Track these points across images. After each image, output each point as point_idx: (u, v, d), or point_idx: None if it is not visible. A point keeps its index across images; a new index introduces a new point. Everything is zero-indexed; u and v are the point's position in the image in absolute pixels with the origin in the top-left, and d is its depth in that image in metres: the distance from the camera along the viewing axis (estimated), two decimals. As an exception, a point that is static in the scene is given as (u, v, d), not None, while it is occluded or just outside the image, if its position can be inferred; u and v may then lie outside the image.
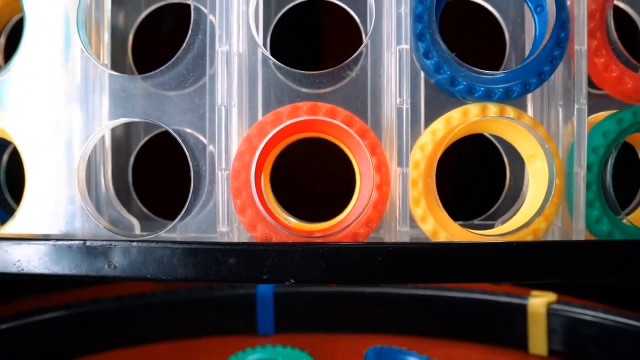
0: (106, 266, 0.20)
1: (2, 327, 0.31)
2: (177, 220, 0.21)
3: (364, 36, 0.23)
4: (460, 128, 0.20)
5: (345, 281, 0.19)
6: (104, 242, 0.20)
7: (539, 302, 0.34)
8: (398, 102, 0.20)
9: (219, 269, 0.19)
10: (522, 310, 0.34)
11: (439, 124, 0.20)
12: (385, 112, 0.21)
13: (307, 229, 0.22)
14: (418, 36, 0.20)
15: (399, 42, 0.20)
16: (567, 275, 0.20)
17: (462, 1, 0.25)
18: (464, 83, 0.20)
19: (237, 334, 0.36)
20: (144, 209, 0.27)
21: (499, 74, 0.20)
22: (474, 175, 0.45)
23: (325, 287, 0.37)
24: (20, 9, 0.24)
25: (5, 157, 0.26)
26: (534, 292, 0.35)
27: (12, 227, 0.21)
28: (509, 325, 0.35)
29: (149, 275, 0.19)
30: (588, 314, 0.33)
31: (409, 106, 0.20)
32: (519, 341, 0.34)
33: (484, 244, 0.20)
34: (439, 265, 0.19)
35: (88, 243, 0.20)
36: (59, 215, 0.21)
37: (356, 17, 0.24)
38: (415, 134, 0.21)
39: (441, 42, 0.20)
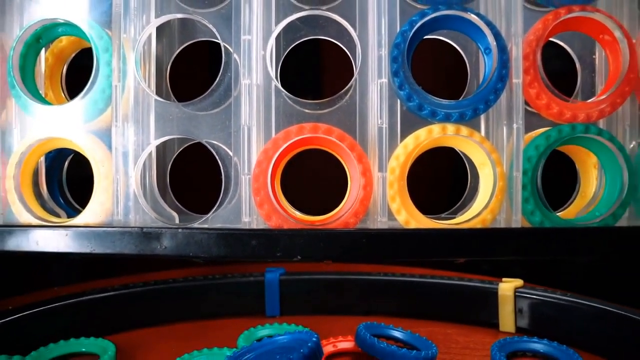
0: (158, 247, 0.27)
1: (50, 307, 0.39)
2: (212, 212, 0.28)
3: (354, 68, 0.31)
4: (426, 143, 0.28)
5: (339, 258, 0.27)
6: (157, 229, 0.27)
7: (507, 286, 0.42)
8: (379, 122, 0.28)
9: (244, 248, 0.27)
10: (493, 293, 0.42)
11: (409, 140, 0.28)
12: (370, 130, 0.29)
13: (309, 220, 0.30)
14: (394, 73, 0.28)
15: (379, 77, 0.28)
16: (507, 253, 0.28)
17: (434, 40, 0.33)
18: (429, 108, 0.28)
19: (247, 315, 0.44)
20: (178, 204, 0.34)
21: (455, 101, 0.28)
22: (444, 179, 0.54)
23: (324, 275, 0.45)
24: (79, 46, 0.33)
25: (66, 164, 0.34)
26: (504, 279, 0.43)
27: (82, 218, 0.29)
28: (482, 307, 0.42)
29: (191, 254, 0.27)
30: (548, 296, 0.40)
31: (387, 126, 0.28)
32: (491, 320, 0.42)
33: (443, 229, 0.28)
34: (408, 246, 0.27)
35: (145, 230, 0.27)
36: (118, 209, 0.29)
37: (348, 53, 0.32)
38: (392, 147, 0.29)
39: (411, 77, 0.28)
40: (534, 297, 0.41)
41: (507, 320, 0.41)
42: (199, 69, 0.34)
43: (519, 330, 0.41)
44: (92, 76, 0.29)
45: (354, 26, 0.29)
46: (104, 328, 0.40)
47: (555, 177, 0.33)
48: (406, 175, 0.28)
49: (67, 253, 0.28)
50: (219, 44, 0.29)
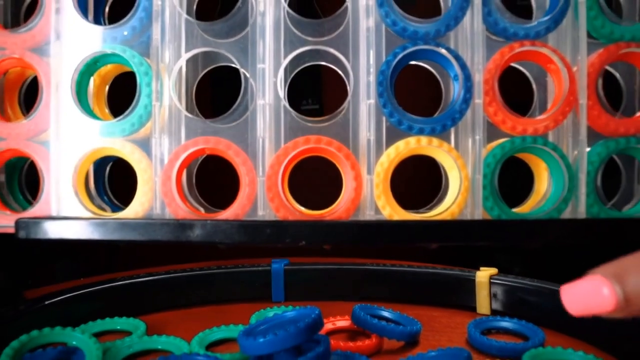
0: (191, 234, 0.36)
1: (88, 291, 0.47)
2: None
3: (348, 90, 0.39)
4: (404, 152, 0.36)
5: (334, 242, 0.35)
6: (189, 220, 0.36)
7: (483, 274, 0.50)
8: (368, 135, 0.37)
9: (260, 235, 0.36)
10: (471, 280, 0.50)
11: (391, 150, 0.37)
12: (361, 141, 0.38)
13: (311, 213, 0.39)
14: (379, 94, 0.37)
15: (368, 98, 0.37)
16: (471, 240, 0.36)
17: (415, 66, 0.41)
18: (406, 123, 0.36)
19: (255, 301, 0.52)
20: (201, 200, 0.43)
21: (427, 118, 0.37)
22: (423, 180, 0.63)
23: (324, 265, 0.54)
24: (120, 69, 0.41)
25: (107, 169, 0.43)
26: (482, 268, 0.51)
27: (126, 212, 0.38)
28: (462, 292, 0.50)
29: (217, 240, 0.36)
30: (519, 282, 0.49)
31: (374, 138, 0.37)
32: (469, 304, 0.50)
33: (419, 221, 0.36)
34: (391, 234, 0.36)
35: (180, 221, 0.36)
36: (156, 204, 0.38)
37: (344, 77, 0.40)
38: (378, 154, 0.37)
39: (394, 98, 0.37)
40: (506, 283, 0.49)
41: (483, 303, 0.49)
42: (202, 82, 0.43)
43: (494, 312, 0.49)
44: (136, 96, 0.37)
45: (347, 56, 0.38)
46: (134, 309, 0.47)
47: (519, 178, 0.42)
48: (389, 178, 0.37)
49: (117, 240, 0.36)
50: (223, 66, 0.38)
